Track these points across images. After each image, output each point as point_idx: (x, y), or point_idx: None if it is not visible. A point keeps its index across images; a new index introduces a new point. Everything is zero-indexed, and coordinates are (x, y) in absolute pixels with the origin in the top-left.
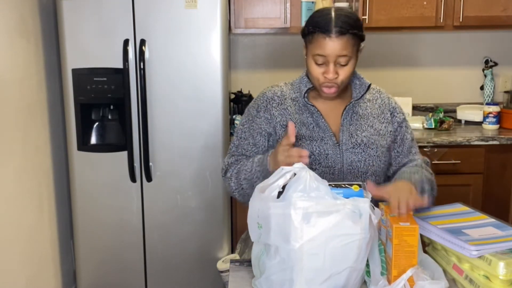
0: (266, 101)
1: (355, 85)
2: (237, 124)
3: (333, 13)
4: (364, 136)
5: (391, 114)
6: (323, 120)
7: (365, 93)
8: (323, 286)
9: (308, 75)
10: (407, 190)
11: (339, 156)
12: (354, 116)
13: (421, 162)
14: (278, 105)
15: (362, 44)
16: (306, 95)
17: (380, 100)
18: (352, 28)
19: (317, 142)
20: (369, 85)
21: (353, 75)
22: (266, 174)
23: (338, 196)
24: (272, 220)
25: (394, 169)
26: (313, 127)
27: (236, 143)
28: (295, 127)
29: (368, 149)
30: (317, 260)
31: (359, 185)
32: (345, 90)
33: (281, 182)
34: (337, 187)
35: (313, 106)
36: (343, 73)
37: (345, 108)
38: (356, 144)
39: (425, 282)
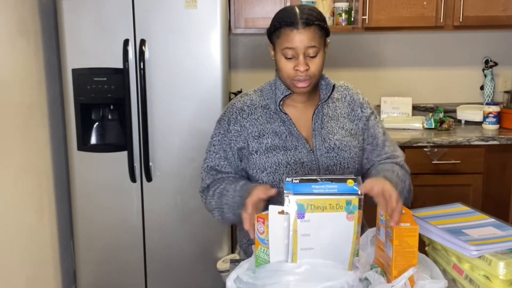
0: (236, 112)
1: (322, 85)
2: None
3: (296, 8)
4: (337, 139)
5: (360, 109)
6: (295, 128)
7: (331, 93)
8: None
9: (279, 75)
10: (388, 183)
11: (314, 163)
12: (324, 119)
13: (402, 160)
14: (248, 115)
15: (328, 40)
16: (281, 102)
17: (349, 97)
18: (317, 19)
19: (292, 152)
20: (334, 85)
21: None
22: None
23: (331, 191)
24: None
25: (370, 164)
26: (286, 136)
27: (209, 159)
28: (268, 137)
29: (342, 151)
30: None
31: (354, 179)
32: (313, 92)
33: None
34: (331, 181)
35: (285, 114)
36: (314, 65)
37: (314, 112)
38: (329, 148)
39: (426, 281)
